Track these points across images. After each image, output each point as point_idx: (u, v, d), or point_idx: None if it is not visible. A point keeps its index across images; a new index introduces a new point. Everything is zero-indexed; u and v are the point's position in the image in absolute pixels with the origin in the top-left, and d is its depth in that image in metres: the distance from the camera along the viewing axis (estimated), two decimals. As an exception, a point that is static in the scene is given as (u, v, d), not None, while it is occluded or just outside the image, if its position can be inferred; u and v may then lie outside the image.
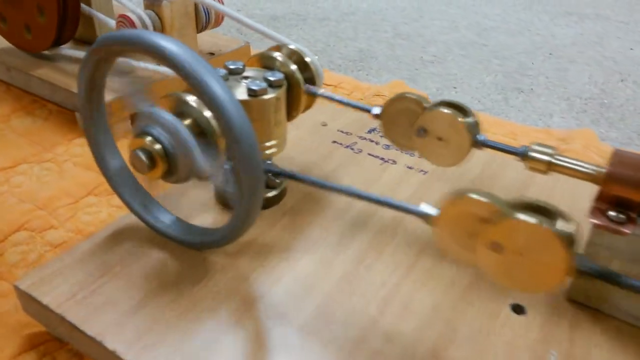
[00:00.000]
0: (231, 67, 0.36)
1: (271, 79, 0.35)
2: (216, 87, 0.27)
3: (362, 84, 0.68)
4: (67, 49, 0.60)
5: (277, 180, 0.40)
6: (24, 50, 0.62)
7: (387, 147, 0.48)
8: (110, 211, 0.44)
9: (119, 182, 0.36)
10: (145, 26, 0.54)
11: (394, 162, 0.46)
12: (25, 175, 0.48)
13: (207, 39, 0.67)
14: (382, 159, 0.46)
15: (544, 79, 0.76)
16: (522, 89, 0.72)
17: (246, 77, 0.36)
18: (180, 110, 0.32)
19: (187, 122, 0.32)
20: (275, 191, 0.40)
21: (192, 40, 0.60)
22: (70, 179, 0.47)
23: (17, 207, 0.43)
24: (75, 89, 0.55)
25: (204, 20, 0.61)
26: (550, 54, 0.86)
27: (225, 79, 0.35)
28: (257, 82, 0.34)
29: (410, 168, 0.45)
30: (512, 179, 0.44)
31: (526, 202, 0.25)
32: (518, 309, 0.32)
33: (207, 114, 0.32)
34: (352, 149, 0.48)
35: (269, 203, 0.39)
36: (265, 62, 0.39)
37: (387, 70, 0.77)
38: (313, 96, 0.40)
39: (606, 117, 0.66)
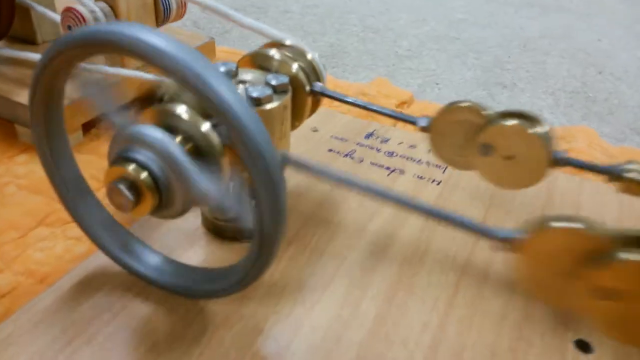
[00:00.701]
0: (222, 69, 0.29)
1: (274, 83, 0.29)
2: (228, 93, 0.20)
3: (341, 82, 0.62)
4: (1, 49, 0.51)
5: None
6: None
7: (390, 154, 0.42)
8: (67, 245, 0.36)
9: (84, 215, 0.28)
10: (97, 21, 0.46)
11: (402, 171, 0.40)
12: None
13: (167, 34, 0.59)
14: (387, 168, 0.41)
15: (524, 73, 0.73)
16: (505, 83, 0.69)
17: (243, 82, 0.29)
18: (167, 124, 0.25)
19: (178, 139, 0.25)
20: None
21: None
22: (14, 207, 0.39)
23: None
24: (14, 96, 0.46)
25: (165, 12, 0.53)
26: (523, 46, 0.83)
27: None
28: (260, 87, 0.28)
29: (421, 178, 0.40)
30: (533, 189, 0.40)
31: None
32: (584, 347, 0.27)
33: (204, 127, 0.25)
34: (352, 157, 0.42)
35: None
36: (260, 62, 0.32)
37: (363, 66, 0.72)
38: (318, 101, 0.34)
39: (594, 111, 0.64)
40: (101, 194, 0.42)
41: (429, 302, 0.29)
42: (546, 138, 0.28)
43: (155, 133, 0.23)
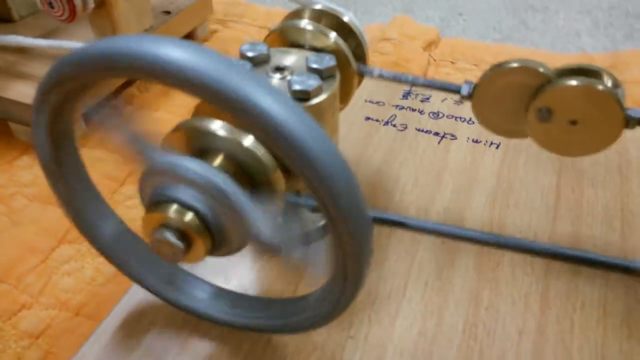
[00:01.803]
0: (251, 54, 0.24)
1: (318, 66, 0.24)
2: (284, 114, 0.15)
3: (356, 26, 0.56)
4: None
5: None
6: None
7: (436, 115, 0.38)
8: (96, 264, 0.32)
9: (116, 250, 0.24)
10: (85, 1, 0.39)
11: (453, 136, 0.36)
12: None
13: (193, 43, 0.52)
14: (436, 134, 0.36)
15: (552, -10, 0.66)
16: (536, 7, 0.62)
17: (280, 69, 0.24)
18: (202, 146, 0.21)
19: (218, 162, 0.20)
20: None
21: (146, 4, 0.46)
22: (28, 225, 0.35)
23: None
24: (1, 92, 0.40)
25: (154, -29, 0.46)
26: (545, -43, 0.75)
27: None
28: (304, 76, 0.23)
29: (477, 142, 0.35)
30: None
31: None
32: (703, 338, 0.24)
33: (247, 142, 0.20)
34: (394, 125, 0.37)
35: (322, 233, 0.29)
36: (292, 37, 0.27)
37: (377, 1, 0.65)
38: (362, 75, 0.29)
39: (637, 28, 0.58)
40: (122, 196, 0.38)
41: (520, 303, 0.25)
42: (619, 95, 0.23)
43: (193, 166, 0.18)
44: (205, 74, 0.15)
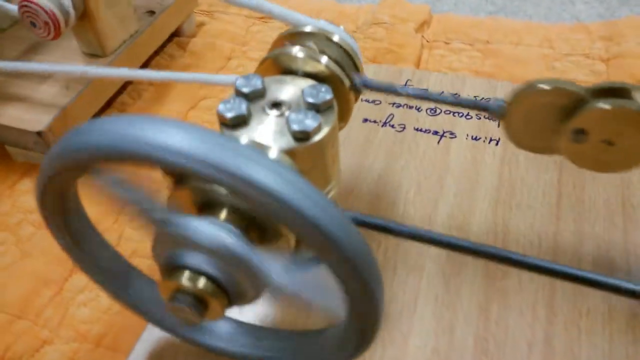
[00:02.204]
0: (246, 89, 0.24)
1: (315, 101, 0.23)
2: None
3: (347, 8, 0.55)
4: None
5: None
6: None
7: (433, 111, 0.37)
8: (110, 289, 0.33)
9: (131, 296, 0.25)
10: (66, 17, 0.38)
11: (453, 134, 0.36)
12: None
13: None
14: (435, 133, 0.36)
15: (543, -50, 0.64)
16: (526, -30, 0.60)
17: (277, 104, 0.24)
18: (209, 200, 0.21)
19: (225, 216, 0.20)
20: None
21: (127, 8, 0.45)
22: (38, 255, 0.35)
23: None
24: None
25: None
26: None
27: (243, 118, 0.23)
28: (302, 114, 0.23)
29: (476, 139, 0.35)
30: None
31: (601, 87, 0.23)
32: None
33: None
34: (393, 126, 0.37)
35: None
36: (284, 64, 0.26)
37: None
38: (359, 91, 0.28)
39: (633, -11, 0.56)
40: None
41: (528, 313, 0.26)
42: None
43: (200, 228, 0.19)
44: (212, 165, 0.15)
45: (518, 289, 0.27)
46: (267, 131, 0.23)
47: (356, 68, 0.28)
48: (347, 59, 0.27)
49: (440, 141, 0.35)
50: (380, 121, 0.37)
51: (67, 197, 0.20)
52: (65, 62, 0.44)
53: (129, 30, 0.46)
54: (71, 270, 0.34)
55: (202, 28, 0.54)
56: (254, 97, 0.24)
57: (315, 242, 0.16)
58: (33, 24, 0.39)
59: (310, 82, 0.25)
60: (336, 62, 0.26)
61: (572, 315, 0.26)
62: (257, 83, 0.24)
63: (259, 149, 0.16)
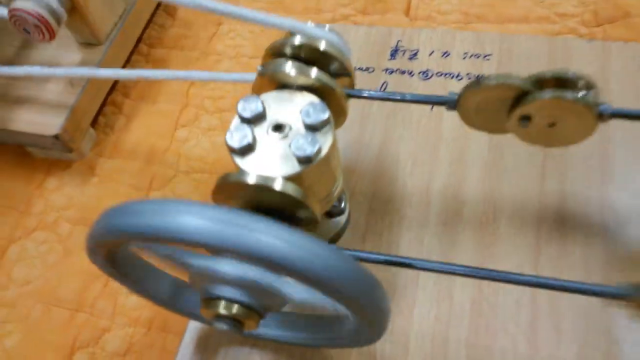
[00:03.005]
0: (249, 115, 0.26)
1: (313, 122, 0.26)
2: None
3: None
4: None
5: (342, 205, 0.33)
6: None
7: (425, 75, 0.39)
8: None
9: (182, 308, 0.29)
10: (56, 16, 0.38)
11: (444, 99, 0.37)
12: (24, 265, 0.39)
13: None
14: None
15: None
16: None
17: (278, 126, 0.26)
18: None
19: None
20: (344, 216, 0.33)
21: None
22: (80, 251, 0.39)
23: (61, 317, 0.37)
24: (10, 125, 0.42)
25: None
26: None
27: (249, 146, 0.25)
28: (303, 139, 0.25)
29: (466, 102, 0.37)
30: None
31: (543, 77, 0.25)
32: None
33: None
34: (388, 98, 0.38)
35: (338, 235, 0.33)
36: (278, 79, 0.28)
37: None
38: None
39: None
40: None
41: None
42: (591, 100, 0.25)
43: (227, 267, 0.22)
44: (224, 243, 0.18)
45: (505, 254, 0.31)
46: (272, 157, 0.25)
47: (346, 69, 0.29)
48: (336, 64, 0.29)
49: (433, 108, 0.37)
50: (375, 91, 0.39)
51: (115, 253, 0.23)
52: (62, 53, 0.45)
53: (118, 12, 0.46)
54: (112, 263, 0.38)
55: (188, -10, 0.54)
56: (256, 120, 0.26)
57: (325, 291, 0.19)
58: (26, 31, 0.39)
59: (305, 96, 0.27)
60: (327, 70, 0.28)
61: (554, 274, 0.30)
62: (257, 107, 0.26)
63: (262, 216, 0.19)
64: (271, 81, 0.28)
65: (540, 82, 0.25)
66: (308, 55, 0.28)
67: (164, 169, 0.42)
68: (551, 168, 0.33)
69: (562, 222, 0.31)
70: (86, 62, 0.44)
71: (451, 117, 0.36)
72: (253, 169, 0.25)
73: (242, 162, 0.25)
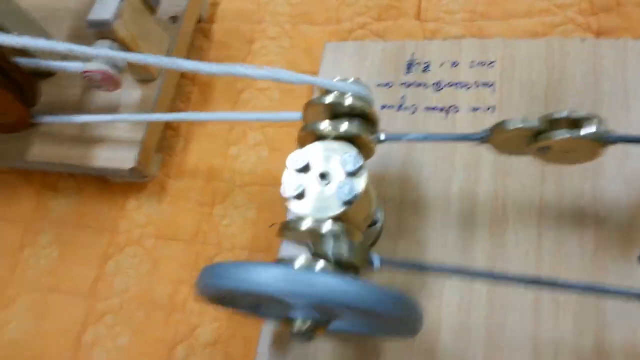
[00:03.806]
0: (297, 167, 0.33)
1: (352, 169, 0.32)
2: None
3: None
4: (45, 117, 0.51)
5: (377, 214, 0.40)
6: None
7: (438, 86, 0.45)
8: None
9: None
10: (118, 68, 0.45)
11: (456, 107, 0.43)
12: (122, 276, 0.48)
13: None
14: (442, 109, 0.44)
15: None
16: None
17: (323, 175, 0.33)
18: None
19: (322, 266, 0.31)
20: (379, 223, 0.40)
21: (155, 28, 0.51)
22: (166, 261, 0.48)
23: (159, 317, 0.46)
24: (91, 162, 0.50)
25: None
26: None
27: (301, 193, 0.32)
28: (345, 186, 0.32)
29: (475, 110, 0.43)
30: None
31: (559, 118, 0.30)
32: (651, 259, 0.35)
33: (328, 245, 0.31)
34: (407, 108, 0.45)
35: (376, 239, 0.40)
36: (318, 134, 0.35)
37: None
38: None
39: None
40: (217, 217, 0.49)
41: (522, 261, 0.37)
42: (598, 133, 0.31)
43: (300, 300, 0.30)
44: (292, 294, 0.26)
45: (515, 244, 0.38)
46: (321, 201, 0.32)
47: (370, 116, 0.35)
48: (362, 113, 0.35)
49: (447, 117, 0.43)
50: (395, 105, 0.45)
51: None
52: (123, 92, 0.52)
53: (165, 46, 0.52)
54: (193, 270, 0.47)
55: (217, 9, 0.59)
56: (304, 170, 0.33)
57: (373, 315, 0.27)
58: (97, 86, 0.47)
59: (341, 145, 0.34)
60: (356, 123, 0.35)
61: (556, 260, 0.36)
62: (304, 160, 0.33)
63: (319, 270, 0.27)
64: (312, 134, 0.35)
65: (555, 122, 0.31)
66: (338, 110, 0.35)
67: (222, 185, 0.50)
68: (550, 167, 0.39)
69: (560, 213, 0.38)
70: (145, 97, 0.51)
71: (463, 123, 0.43)
72: (306, 212, 0.32)
73: (296, 207, 0.33)
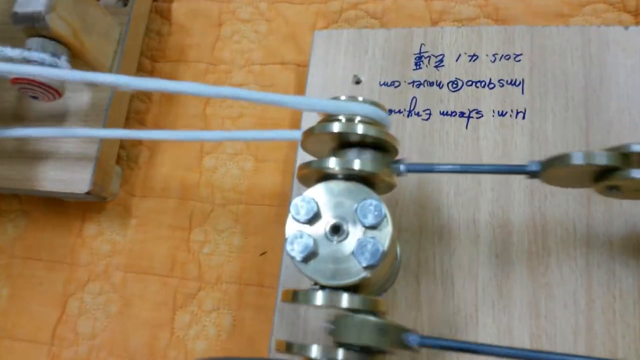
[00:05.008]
0: (304, 218, 0.26)
1: (372, 223, 0.25)
2: None
3: None
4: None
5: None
6: None
7: (455, 85, 0.37)
8: (213, 320, 0.39)
9: None
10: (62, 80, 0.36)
11: (479, 112, 0.36)
12: (87, 318, 0.41)
13: None
14: (462, 115, 0.37)
15: None
16: None
17: (337, 229, 0.26)
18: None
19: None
20: (396, 260, 0.34)
21: (101, 15, 0.41)
22: (138, 301, 0.40)
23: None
24: (33, 183, 0.41)
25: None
26: None
27: (311, 253, 0.25)
28: (364, 245, 0.25)
29: (502, 115, 0.36)
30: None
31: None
32: None
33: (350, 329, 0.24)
34: (418, 114, 0.37)
35: (393, 278, 0.34)
36: (324, 173, 0.27)
37: None
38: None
39: None
40: (197, 243, 0.41)
41: (570, 303, 0.31)
42: None
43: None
44: None
45: (560, 281, 0.32)
46: (336, 262, 0.25)
47: (387, 144, 0.28)
48: (377, 142, 0.28)
49: (468, 124, 0.36)
50: (405, 110, 0.37)
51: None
52: (71, 95, 0.43)
53: (114, 37, 0.43)
54: (173, 311, 0.40)
55: (175, -11, 0.49)
56: (311, 221, 0.26)
57: None
58: (34, 97, 0.37)
59: (355, 187, 0.26)
60: (370, 156, 0.27)
61: (608, 300, 0.31)
62: (312, 207, 0.26)
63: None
64: (316, 171, 0.27)
65: (627, 157, 0.25)
66: (348, 139, 0.27)
67: (200, 203, 0.42)
68: (596, 185, 0.33)
69: (611, 245, 0.32)
70: (96, 101, 0.42)
71: (488, 133, 0.36)
72: (319, 277, 0.25)
73: (307, 269, 0.26)
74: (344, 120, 0.28)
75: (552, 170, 0.26)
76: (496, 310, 0.32)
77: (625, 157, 0.25)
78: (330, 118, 0.28)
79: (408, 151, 0.36)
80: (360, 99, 0.28)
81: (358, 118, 0.28)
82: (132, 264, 0.42)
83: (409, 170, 0.28)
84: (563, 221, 0.33)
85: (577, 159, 0.25)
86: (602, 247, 0.32)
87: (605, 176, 0.25)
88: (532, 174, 0.27)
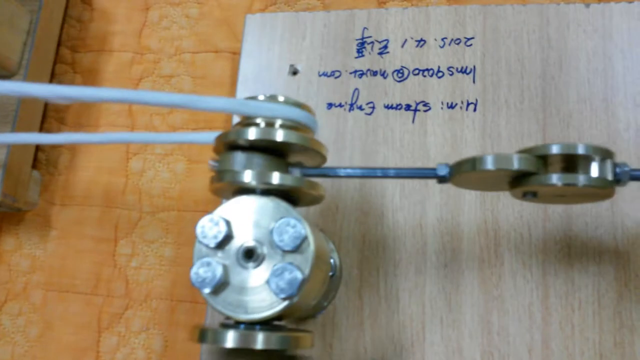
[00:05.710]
0: (212, 243, 0.22)
1: (290, 247, 0.22)
2: None
3: None
4: None
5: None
6: None
7: (401, 75, 0.33)
8: (142, 342, 0.35)
9: None
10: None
11: (426, 104, 0.33)
12: (6, 343, 0.37)
13: None
14: (408, 108, 0.33)
15: None
16: None
17: (250, 253, 0.22)
18: None
19: None
20: (334, 274, 0.30)
21: (7, 4, 0.36)
22: (60, 324, 0.36)
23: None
24: None
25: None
26: None
27: (222, 284, 0.22)
28: (280, 274, 0.21)
29: (452, 107, 0.32)
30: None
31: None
32: (685, 308, 0.27)
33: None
34: (361, 107, 0.33)
35: (333, 292, 0.30)
36: (239, 186, 0.23)
37: None
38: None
39: None
40: (124, 257, 0.36)
41: (524, 317, 0.29)
42: (607, 177, 0.21)
43: None
44: None
45: (514, 293, 0.29)
46: (251, 296, 0.22)
47: (313, 149, 0.24)
48: (300, 149, 0.24)
49: (415, 119, 0.32)
50: (346, 103, 0.34)
51: None
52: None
53: (24, 27, 0.38)
54: (98, 333, 0.36)
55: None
56: (222, 244, 0.23)
57: None
58: None
59: (272, 202, 0.23)
60: (291, 154, 0.24)
61: (565, 312, 0.28)
62: (221, 231, 0.22)
63: None
64: (230, 185, 0.23)
65: (545, 160, 0.21)
66: (267, 146, 0.23)
67: (126, 211, 0.38)
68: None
69: (569, 250, 0.29)
70: (4, 101, 0.37)
71: (436, 127, 0.32)
72: (230, 310, 0.22)
73: (216, 302, 0.22)
74: (262, 124, 0.24)
75: (462, 175, 0.22)
76: (445, 327, 0.29)
77: (541, 160, 0.21)
78: (247, 121, 0.24)
79: (350, 150, 0.33)
80: (281, 99, 0.24)
81: (279, 122, 0.24)
82: (53, 282, 0.38)
83: (304, 175, 0.24)
84: (517, 225, 0.30)
85: (487, 164, 0.21)
86: (560, 252, 0.29)
87: (520, 181, 0.22)
88: (442, 179, 0.23)
